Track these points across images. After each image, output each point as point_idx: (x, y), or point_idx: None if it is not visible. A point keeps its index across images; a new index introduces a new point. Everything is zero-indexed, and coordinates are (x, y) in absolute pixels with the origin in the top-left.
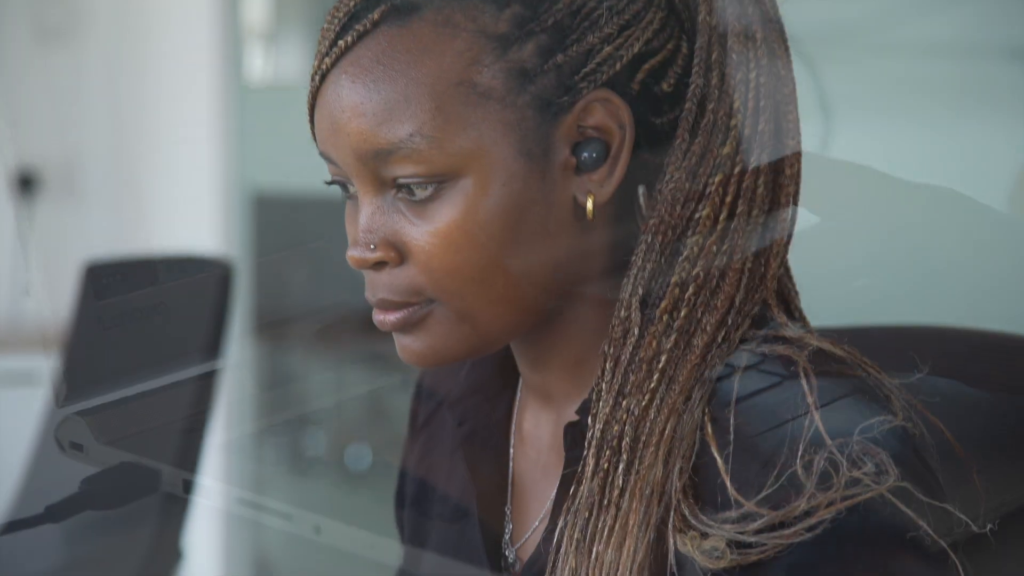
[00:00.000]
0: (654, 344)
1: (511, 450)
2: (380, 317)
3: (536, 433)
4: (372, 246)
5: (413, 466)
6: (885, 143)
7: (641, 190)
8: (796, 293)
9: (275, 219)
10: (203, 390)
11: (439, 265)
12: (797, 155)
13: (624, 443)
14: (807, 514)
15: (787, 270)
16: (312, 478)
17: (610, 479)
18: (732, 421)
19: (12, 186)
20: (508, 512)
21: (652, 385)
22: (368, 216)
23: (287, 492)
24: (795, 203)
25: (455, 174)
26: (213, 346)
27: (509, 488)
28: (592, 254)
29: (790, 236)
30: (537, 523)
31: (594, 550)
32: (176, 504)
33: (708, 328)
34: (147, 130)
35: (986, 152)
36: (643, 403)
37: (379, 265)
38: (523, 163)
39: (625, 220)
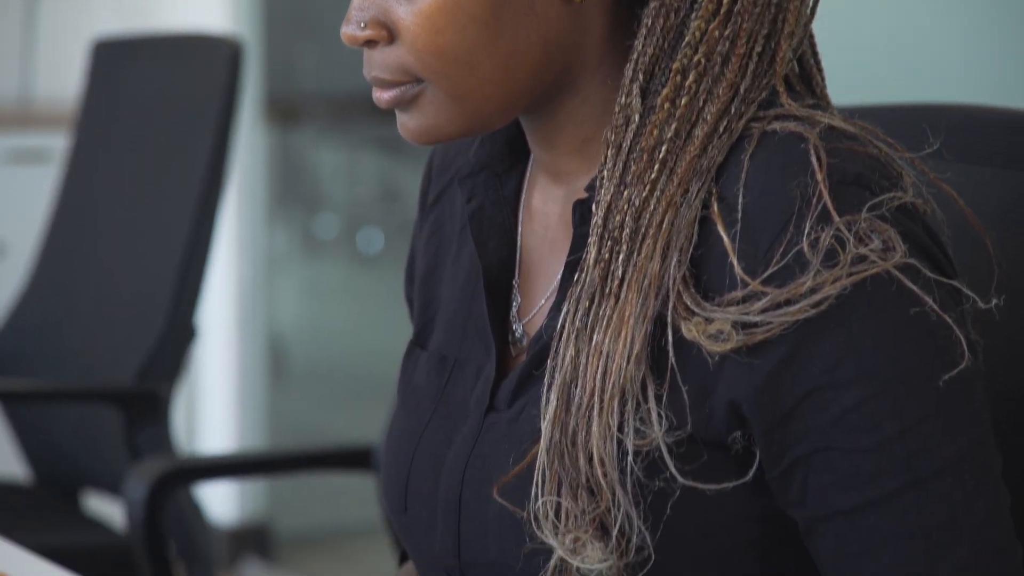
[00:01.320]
0: (655, 133)
1: (519, 226)
2: (376, 95)
3: (544, 210)
4: (363, 24)
5: (423, 243)
6: None
7: None
8: (820, 70)
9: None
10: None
11: (424, 45)
12: None
13: (624, 233)
14: (812, 291)
15: (812, 47)
16: (324, 261)
17: (611, 268)
18: (740, 199)
19: None
20: (516, 287)
21: (652, 176)
22: None
23: (299, 275)
24: None
25: None
26: (222, 127)
27: (517, 264)
28: (589, 36)
29: (812, 14)
30: (544, 300)
31: (594, 338)
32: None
33: (709, 118)
34: None
35: None
36: (643, 194)
37: (370, 43)
38: None
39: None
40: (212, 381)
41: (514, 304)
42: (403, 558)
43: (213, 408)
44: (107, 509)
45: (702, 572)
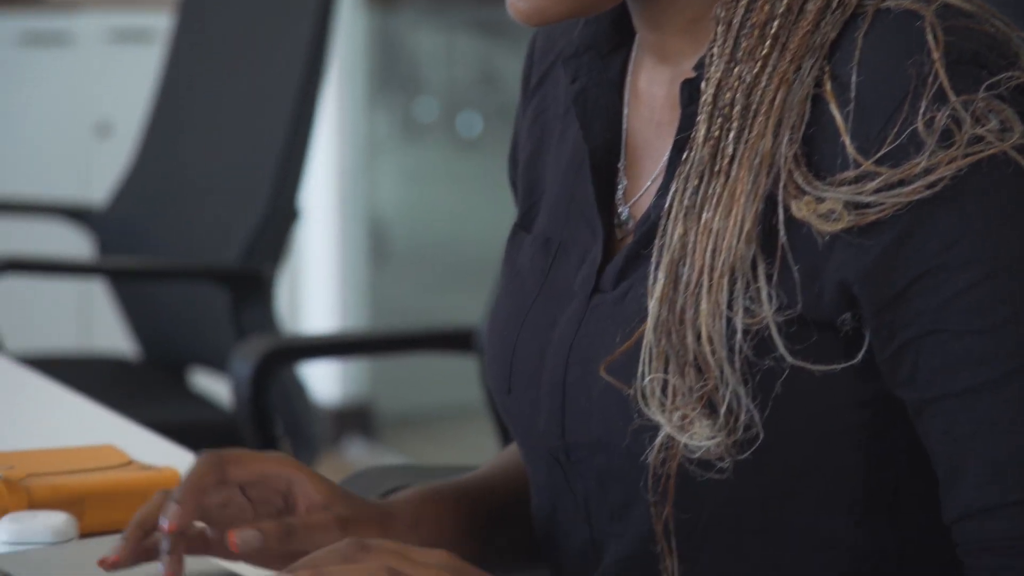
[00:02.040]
0: (766, 8)
1: (625, 108)
2: None
3: (651, 91)
4: None
5: (526, 127)
6: None
7: None
8: None
9: None
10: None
11: None
12: None
13: (735, 110)
14: (927, 171)
15: None
16: (424, 145)
17: (721, 146)
18: (854, 78)
19: None
20: (621, 169)
21: (764, 52)
22: None
23: (399, 159)
24: None
25: None
26: (323, 10)
27: (623, 146)
28: None
29: None
30: (650, 182)
31: (703, 217)
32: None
33: None
34: None
35: None
36: (754, 70)
37: None
38: None
39: None
40: (314, 263)
41: (620, 187)
42: (509, 439)
43: (315, 290)
44: (213, 386)
45: (810, 453)
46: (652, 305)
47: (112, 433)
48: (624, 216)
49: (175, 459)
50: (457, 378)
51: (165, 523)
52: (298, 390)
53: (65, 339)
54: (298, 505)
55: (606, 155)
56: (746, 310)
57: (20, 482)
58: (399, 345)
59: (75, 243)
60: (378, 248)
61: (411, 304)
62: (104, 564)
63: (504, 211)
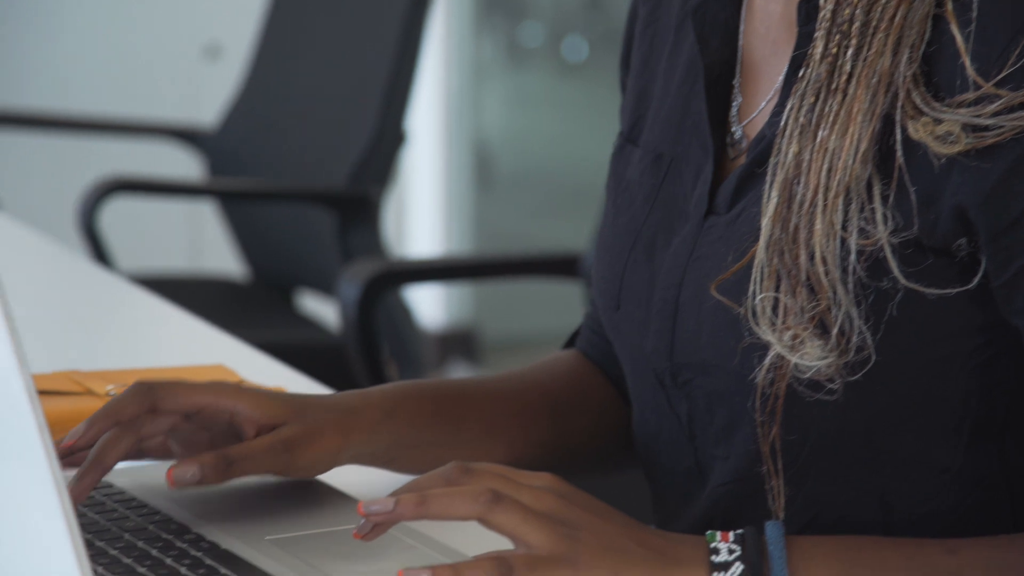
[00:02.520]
0: None
1: (741, 25)
2: None
3: (767, 9)
4: None
5: (639, 31)
6: None
7: None
8: None
9: None
10: None
11: None
12: None
13: (854, 27)
14: None
15: None
16: (529, 70)
17: (839, 63)
18: None
19: None
20: (736, 87)
21: None
22: None
23: (504, 84)
24: None
25: None
26: None
27: (738, 64)
28: None
29: None
30: (765, 102)
31: (818, 135)
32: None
33: None
34: None
35: None
36: None
37: None
38: None
39: None
40: (420, 187)
41: (734, 105)
42: (569, 342)
43: (420, 214)
44: (321, 309)
45: (920, 379)
46: (765, 224)
47: (222, 353)
48: (738, 135)
49: (285, 380)
50: (560, 303)
51: (66, 438)
52: (404, 314)
53: (175, 260)
54: (245, 432)
55: (722, 72)
56: (860, 231)
57: None
58: (504, 270)
59: (185, 165)
60: (482, 173)
61: (515, 229)
62: None
63: (609, 137)
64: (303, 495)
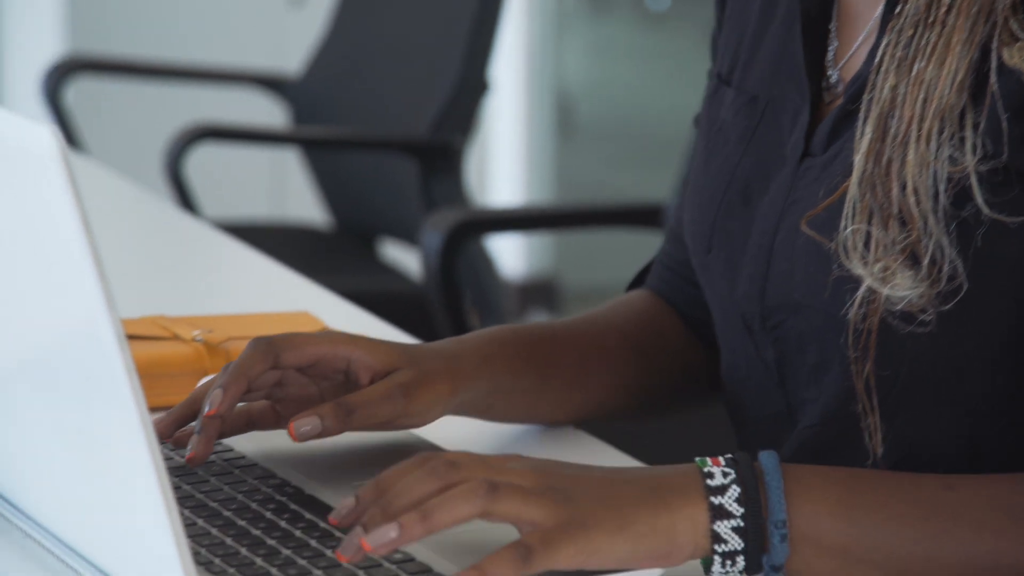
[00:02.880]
0: None
1: None
2: None
3: None
4: None
5: None
6: None
7: None
8: None
9: None
10: None
11: None
12: None
13: None
14: None
15: None
16: (611, 19)
17: None
18: None
19: None
20: (832, 31)
21: None
22: None
23: (587, 33)
24: None
25: None
26: None
27: (834, 7)
28: None
29: None
30: (860, 43)
31: (915, 67)
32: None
33: None
34: None
35: None
36: None
37: None
38: None
39: None
40: (501, 137)
41: (830, 49)
42: (635, 282)
43: (502, 164)
44: (403, 257)
45: (1011, 315)
46: (858, 159)
47: (306, 300)
48: (834, 79)
49: (368, 327)
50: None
51: (207, 407)
52: (486, 263)
53: (258, 207)
54: (360, 379)
55: (818, 15)
56: (950, 159)
57: (219, 345)
58: (586, 220)
59: (269, 112)
60: (564, 122)
61: (595, 179)
62: None
63: (691, 87)
64: (391, 445)
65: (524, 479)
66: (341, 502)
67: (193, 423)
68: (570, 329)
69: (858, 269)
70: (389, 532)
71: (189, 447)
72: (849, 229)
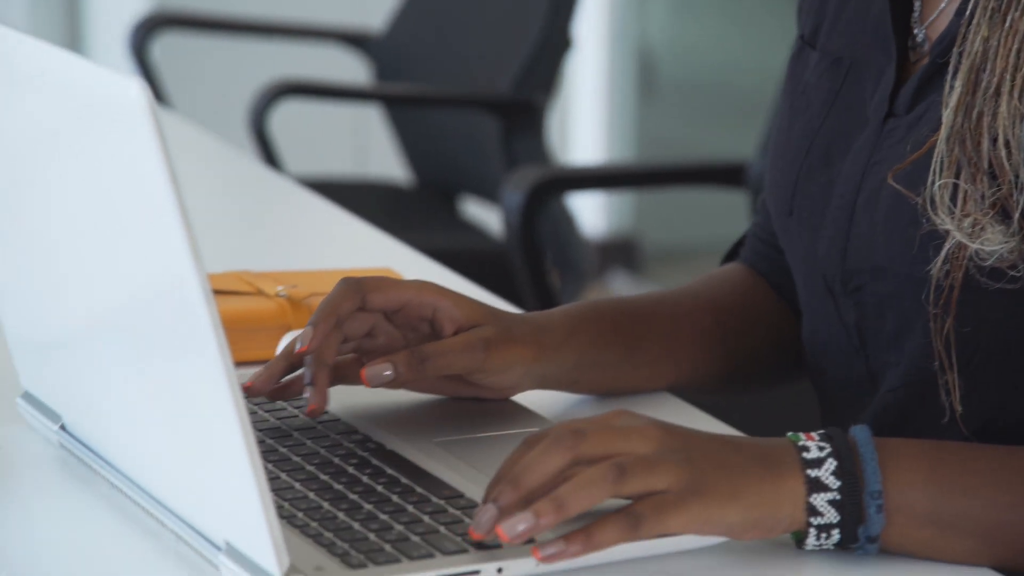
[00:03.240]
0: None
1: None
2: None
3: None
4: None
5: None
6: None
7: None
8: None
9: None
10: None
11: None
12: None
13: None
14: None
15: None
16: None
17: None
18: None
19: None
20: None
21: None
22: None
23: None
24: None
25: None
26: None
27: None
28: None
29: None
30: (946, 2)
31: (1008, 18)
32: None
33: None
34: None
35: None
36: None
37: None
38: None
39: None
40: (583, 94)
41: (915, 8)
42: (730, 255)
43: (583, 121)
44: (484, 215)
45: None
46: (947, 114)
47: (388, 257)
48: (920, 38)
49: (450, 284)
50: (724, 213)
51: (298, 344)
52: (567, 221)
53: (341, 164)
54: (444, 329)
55: None
56: None
57: (303, 301)
58: (669, 178)
59: (353, 69)
60: (646, 80)
61: (677, 138)
62: (243, 390)
63: (774, 45)
64: (477, 403)
65: (647, 441)
66: (479, 511)
67: (290, 375)
68: (659, 303)
69: (946, 224)
70: (524, 521)
71: (307, 400)
72: (937, 184)
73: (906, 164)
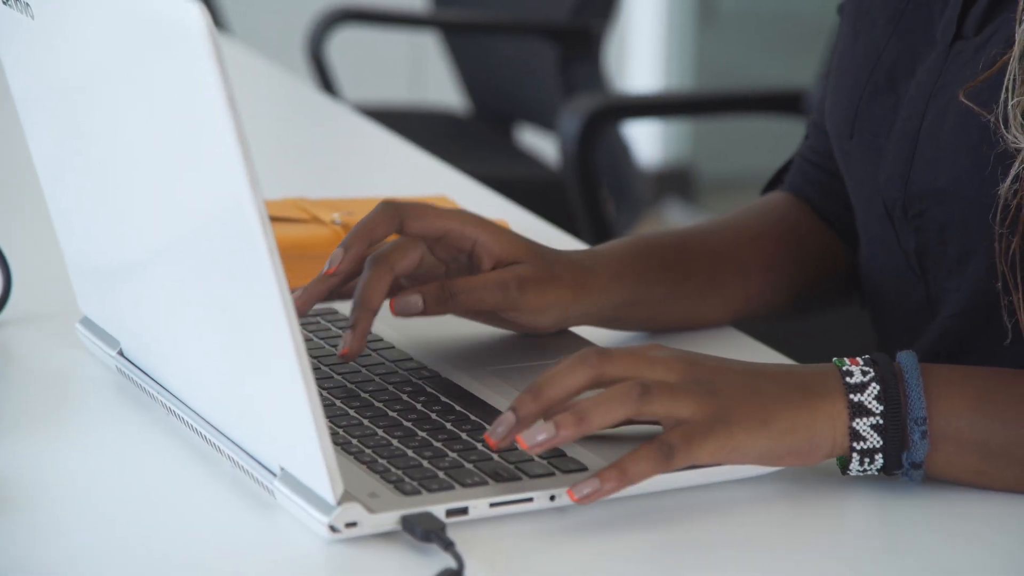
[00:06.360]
0: None
1: None
2: None
3: None
4: None
5: None
6: None
7: None
8: None
9: None
10: None
11: None
12: None
13: None
14: None
15: None
16: None
17: None
18: None
19: None
20: None
21: None
22: None
23: None
24: None
25: None
26: None
27: None
28: None
29: None
30: None
31: None
32: None
33: None
34: None
35: None
36: None
37: None
38: None
39: None
40: (641, 22)
41: None
42: (772, 183)
43: (641, 49)
44: (540, 143)
45: None
46: (1021, 31)
47: (444, 184)
48: None
49: (505, 212)
50: (781, 142)
51: (327, 266)
52: (623, 150)
53: (397, 91)
54: (483, 263)
55: None
56: None
57: None
58: (726, 106)
59: None
60: (705, 8)
61: (735, 66)
62: None
63: None
64: (533, 336)
65: (671, 372)
66: (497, 420)
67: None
68: (704, 235)
69: (1020, 142)
70: (544, 432)
71: (342, 343)
72: (1011, 103)
73: (977, 82)
